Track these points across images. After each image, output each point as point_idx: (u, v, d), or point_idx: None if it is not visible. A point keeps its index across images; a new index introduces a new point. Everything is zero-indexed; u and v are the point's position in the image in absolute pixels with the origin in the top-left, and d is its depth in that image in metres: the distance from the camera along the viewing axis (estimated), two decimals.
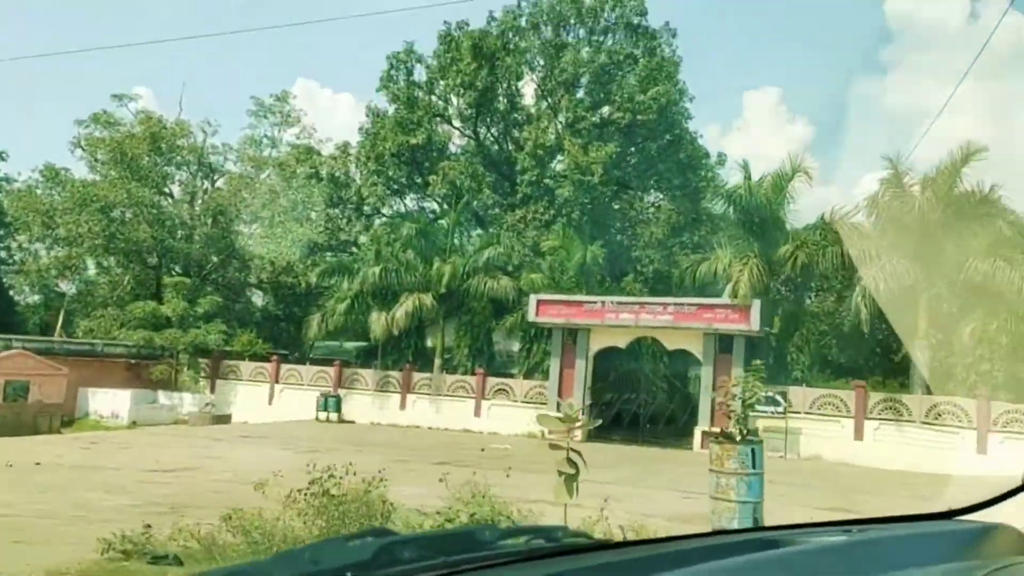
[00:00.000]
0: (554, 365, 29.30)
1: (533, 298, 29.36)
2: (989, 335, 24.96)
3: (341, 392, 32.88)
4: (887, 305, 25.51)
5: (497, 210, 38.94)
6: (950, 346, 26.43)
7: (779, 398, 26.23)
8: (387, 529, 1.99)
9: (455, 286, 31.60)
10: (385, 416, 31.98)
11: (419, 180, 40.24)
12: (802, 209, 35.08)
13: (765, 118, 65.93)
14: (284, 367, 34.57)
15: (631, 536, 7.37)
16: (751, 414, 25.98)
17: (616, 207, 39.06)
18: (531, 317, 29.27)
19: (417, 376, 32.36)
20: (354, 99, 71.85)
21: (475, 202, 36.01)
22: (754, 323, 26.11)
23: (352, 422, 32.21)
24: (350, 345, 38.21)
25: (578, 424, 8.50)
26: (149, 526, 8.12)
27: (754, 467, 9.14)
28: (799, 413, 26.11)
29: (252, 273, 41.70)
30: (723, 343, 27.03)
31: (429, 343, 33.96)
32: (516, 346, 35.69)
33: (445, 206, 37.43)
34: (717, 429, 27.20)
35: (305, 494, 7.81)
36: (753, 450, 9.22)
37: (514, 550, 1.70)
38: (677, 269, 37.29)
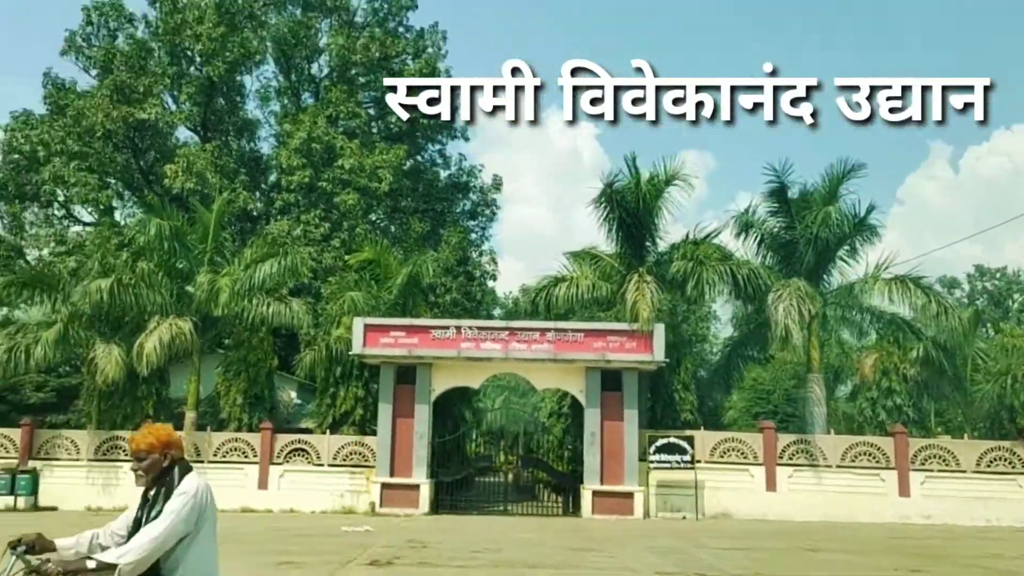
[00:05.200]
0: (384, 413, 21.64)
1: (359, 322, 21.52)
2: (896, 365, 22.61)
3: (35, 464, 21.91)
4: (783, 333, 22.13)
5: (246, 221, 29.93)
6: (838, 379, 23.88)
7: (684, 444, 21.45)
8: None
9: (229, 310, 22.48)
10: (112, 498, 21.61)
11: (138, 171, 29.75)
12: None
13: None
14: None
15: None
16: (650, 467, 21.24)
17: (395, 224, 32.20)
18: (356, 348, 21.39)
19: None
20: None
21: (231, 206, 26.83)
22: (658, 352, 21.12)
23: (54, 508, 21.48)
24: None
25: None
26: None
27: None
28: (700, 462, 21.51)
29: None
30: (608, 380, 21.65)
31: (172, 391, 24.05)
32: (294, 393, 27.02)
33: (176, 207, 27.42)
34: (609, 487, 21.81)
35: None
36: None
37: None
38: (470, 299, 31.59)
